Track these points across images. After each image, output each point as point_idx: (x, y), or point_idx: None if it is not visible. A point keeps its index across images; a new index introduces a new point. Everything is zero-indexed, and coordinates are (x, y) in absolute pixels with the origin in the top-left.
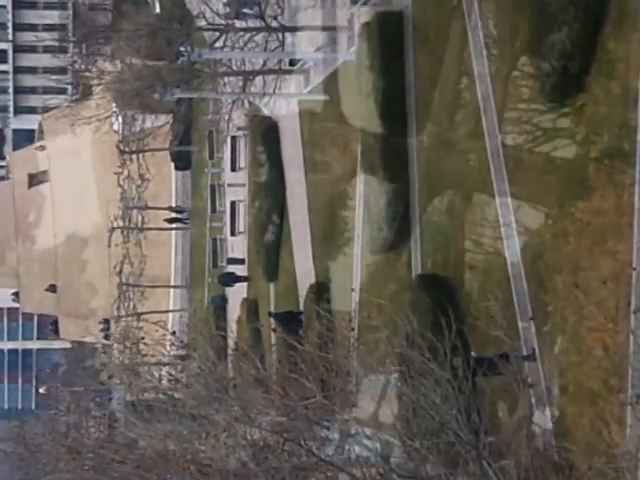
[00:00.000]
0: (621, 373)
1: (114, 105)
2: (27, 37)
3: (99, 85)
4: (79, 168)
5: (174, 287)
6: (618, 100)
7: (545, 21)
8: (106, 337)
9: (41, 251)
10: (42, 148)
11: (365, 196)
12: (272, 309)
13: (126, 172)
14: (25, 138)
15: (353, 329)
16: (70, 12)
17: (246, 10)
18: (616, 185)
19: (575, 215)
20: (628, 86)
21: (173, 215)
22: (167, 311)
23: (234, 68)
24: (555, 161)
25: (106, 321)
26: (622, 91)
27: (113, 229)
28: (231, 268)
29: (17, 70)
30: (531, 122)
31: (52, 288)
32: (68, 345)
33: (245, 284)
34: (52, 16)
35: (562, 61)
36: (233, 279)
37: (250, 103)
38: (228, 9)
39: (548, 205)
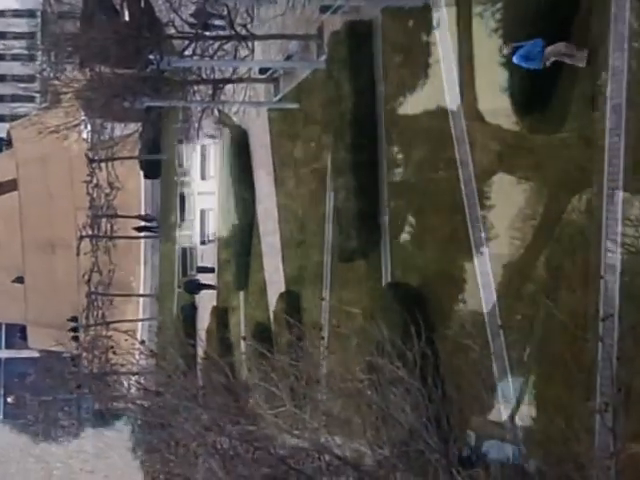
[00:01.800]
0: (590, 381)
1: (83, 113)
2: None
3: (68, 93)
4: (47, 176)
5: (143, 296)
6: None
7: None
8: (75, 338)
9: (8, 259)
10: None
11: (335, 204)
12: (242, 317)
13: (95, 180)
14: None
15: (323, 338)
16: (39, 20)
17: (215, 22)
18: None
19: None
20: None
21: (142, 224)
22: (136, 320)
23: (204, 76)
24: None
25: (74, 319)
26: None
27: (82, 237)
28: (201, 277)
29: None
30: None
31: (19, 280)
32: (36, 354)
33: (215, 293)
34: (20, 24)
35: None
36: (197, 286)
37: (220, 111)
38: (195, 21)
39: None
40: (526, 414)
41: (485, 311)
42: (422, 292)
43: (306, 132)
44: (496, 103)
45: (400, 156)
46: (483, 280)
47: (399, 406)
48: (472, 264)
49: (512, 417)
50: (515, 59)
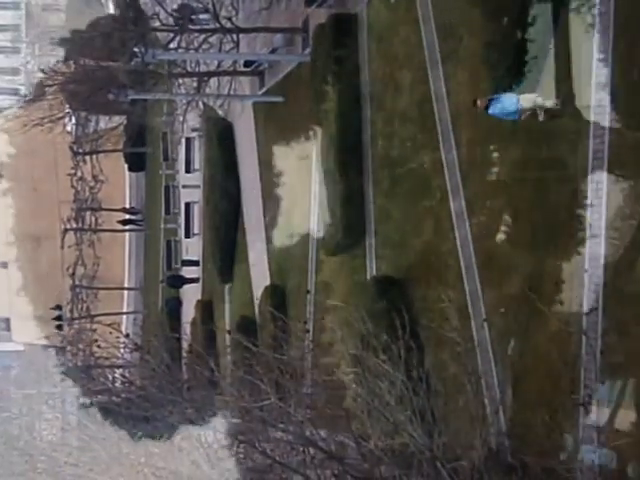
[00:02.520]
0: (574, 374)
1: (67, 106)
2: None
3: (52, 86)
4: (32, 169)
5: (128, 289)
6: None
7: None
8: (59, 327)
9: None
10: None
11: (320, 198)
12: (226, 311)
13: (79, 173)
14: None
15: (308, 331)
16: (23, 12)
17: (201, 16)
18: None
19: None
20: None
21: (127, 217)
22: (121, 313)
23: (188, 69)
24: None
25: (58, 307)
26: None
27: (66, 230)
28: (185, 270)
29: None
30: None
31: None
32: (21, 348)
33: (200, 286)
34: (5, 16)
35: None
36: (180, 281)
37: (205, 104)
38: (180, 15)
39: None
40: (509, 406)
41: (469, 304)
42: (407, 285)
43: (291, 125)
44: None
45: (386, 146)
46: (467, 273)
47: (384, 399)
48: (457, 257)
49: (496, 411)
50: (491, 111)
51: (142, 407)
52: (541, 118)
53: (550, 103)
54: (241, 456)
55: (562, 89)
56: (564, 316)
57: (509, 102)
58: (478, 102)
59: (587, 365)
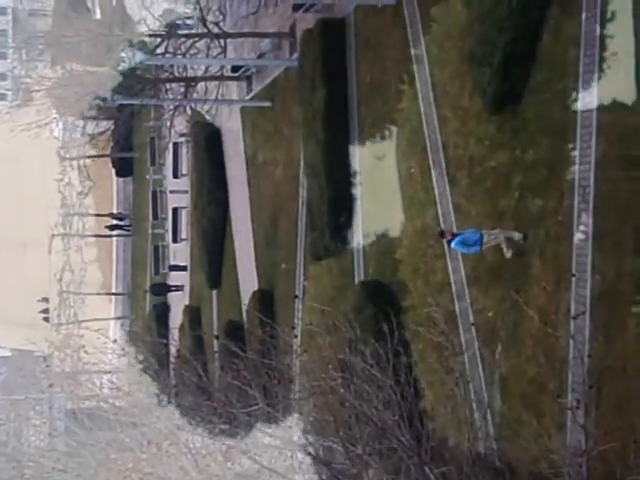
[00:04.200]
0: (561, 378)
1: (54, 111)
2: None
3: (39, 91)
4: (19, 174)
5: (115, 294)
6: None
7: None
8: (45, 319)
9: None
10: None
11: (308, 202)
12: (214, 316)
13: (67, 179)
14: None
15: (296, 336)
16: (10, 17)
17: (187, 21)
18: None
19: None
20: None
21: (114, 222)
22: (108, 319)
23: (176, 74)
24: (493, 167)
25: (45, 299)
26: None
27: (53, 236)
28: (173, 275)
29: None
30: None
31: None
32: (8, 353)
33: (187, 292)
34: None
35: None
36: (165, 289)
37: (192, 109)
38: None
39: (488, 208)
40: (497, 410)
41: (458, 309)
42: (394, 290)
43: (279, 130)
44: None
45: (372, 152)
46: (455, 277)
47: (372, 404)
48: (445, 261)
49: (484, 415)
50: (453, 244)
51: (130, 413)
52: (508, 255)
53: (517, 236)
54: (230, 462)
55: None
56: (552, 320)
57: (472, 236)
58: (445, 234)
59: (574, 369)
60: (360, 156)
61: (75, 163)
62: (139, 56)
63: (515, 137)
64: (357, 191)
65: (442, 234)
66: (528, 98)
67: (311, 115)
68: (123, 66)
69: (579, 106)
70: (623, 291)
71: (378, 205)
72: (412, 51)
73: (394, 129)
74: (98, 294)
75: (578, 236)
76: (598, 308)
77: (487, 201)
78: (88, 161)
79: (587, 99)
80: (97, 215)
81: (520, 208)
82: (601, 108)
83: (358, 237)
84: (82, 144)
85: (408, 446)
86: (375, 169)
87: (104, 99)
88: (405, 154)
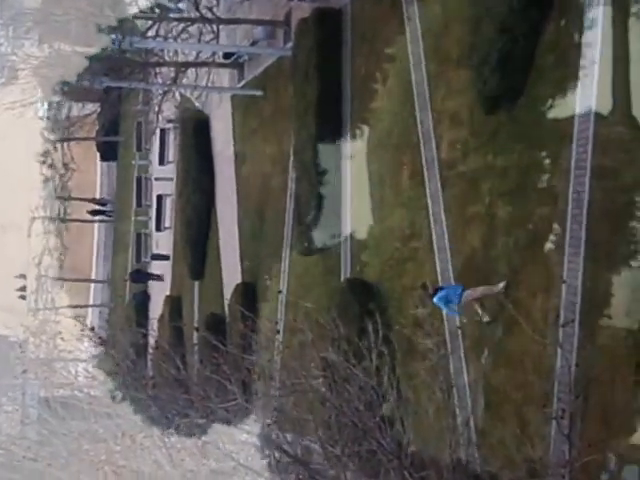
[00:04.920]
0: (547, 387)
1: (40, 91)
2: None
3: (25, 69)
4: (2, 154)
5: (95, 281)
6: None
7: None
8: (22, 297)
9: None
10: None
11: (296, 196)
12: (195, 308)
13: (49, 160)
14: None
15: (278, 332)
16: None
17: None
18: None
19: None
20: None
21: (97, 207)
22: (86, 306)
23: (166, 58)
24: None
25: (22, 276)
26: None
27: (34, 219)
28: (155, 264)
29: None
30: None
31: None
32: None
33: (169, 281)
34: None
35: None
36: (144, 277)
37: (181, 95)
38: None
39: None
40: (480, 416)
41: (444, 311)
42: (381, 289)
43: (270, 120)
44: None
45: (364, 148)
46: (443, 277)
47: (353, 405)
48: (434, 261)
49: (467, 422)
50: (435, 299)
51: (105, 403)
52: (485, 320)
53: (501, 286)
54: (205, 458)
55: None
56: (540, 327)
57: (454, 291)
58: (428, 286)
59: (561, 378)
60: (352, 151)
61: (59, 145)
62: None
63: (505, 143)
64: (347, 187)
65: (424, 287)
66: (524, 100)
67: (303, 107)
68: (112, 48)
69: (574, 112)
70: (613, 300)
71: (367, 202)
72: (409, 46)
73: (385, 125)
74: (77, 280)
75: (570, 242)
76: (588, 316)
77: (462, 205)
78: (72, 144)
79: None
80: (79, 199)
81: (507, 213)
82: (598, 115)
83: (346, 234)
84: (67, 126)
85: (388, 449)
86: (358, 169)
87: (91, 80)
88: (390, 152)
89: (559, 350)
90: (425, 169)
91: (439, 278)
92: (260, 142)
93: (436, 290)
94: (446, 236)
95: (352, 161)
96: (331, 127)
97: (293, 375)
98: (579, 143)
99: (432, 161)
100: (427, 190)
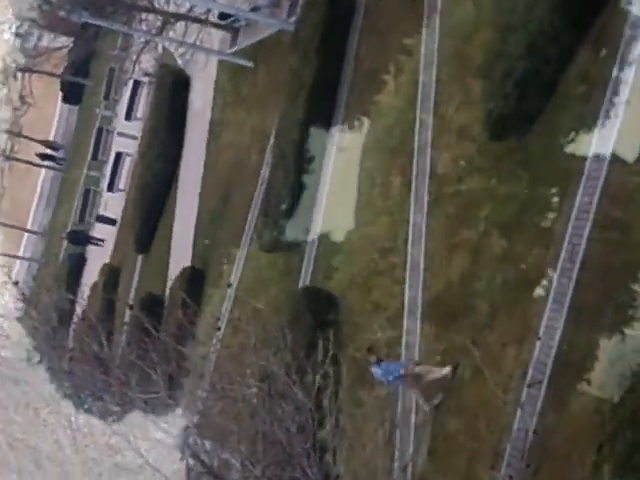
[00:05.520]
0: (500, 448)
1: (10, 12)
2: None
3: None
4: None
5: (29, 231)
6: None
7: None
8: None
9: None
10: None
11: (268, 184)
12: (134, 283)
13: (6, 90)
14: None
15: (219, 328)
16: None
17: None
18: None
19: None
20: None
21: (47, 151)
22: (15, 256)
23: (156, 5)
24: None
25: None
26: None
27: None
28: (99, 227)
29: None
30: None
31: None
32: None
33: (110, 247)
34: None
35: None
36: (84, 239)
37: (164, 49)
38: None
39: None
40: (419, 467)
41: (404, 342)
42: (340, 305)
43: (256, 95)
44: None
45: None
46: (410, 306)
47: (285, 424)
48: (402, 287)
49: (405, 468)
50: (374, 368)
51: (15, 367)
52: (426, 408)
53: (445, 371)
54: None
55: None
56: (504, 380)
57: (395, 368)
58: (373, 352)
59: (516, 442)
60: (338, 147)
61: (20, 75)
62: None
63: (512, 170)
64: (328, 180)
65: (370, 350)
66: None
67: (296, 88)
68: None
69: (590, 153)
70: (593, 366)
71: (351, 202)
72: (423, 45)
73: (388, 121)
74: (10, 226)
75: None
76: (559, 380)
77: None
78: (35, 76)
79: (602, 147)
80: (30, 139)
81: (489, 245)
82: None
83: (313, 236)
84: (33, 55)
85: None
86: (347, 164)
87: (69, 12)
88: (386, 153)
89: (519, 411)
90: (414, 179)
91: (405, 308)
92: (241, 116)
93: (379, 360)
94: (422, 259)
95: (342, 153)
96: (322, 114)
97: (226, 379)
98: (586, 191)
99: (423, 172)
100: (412, 203)
